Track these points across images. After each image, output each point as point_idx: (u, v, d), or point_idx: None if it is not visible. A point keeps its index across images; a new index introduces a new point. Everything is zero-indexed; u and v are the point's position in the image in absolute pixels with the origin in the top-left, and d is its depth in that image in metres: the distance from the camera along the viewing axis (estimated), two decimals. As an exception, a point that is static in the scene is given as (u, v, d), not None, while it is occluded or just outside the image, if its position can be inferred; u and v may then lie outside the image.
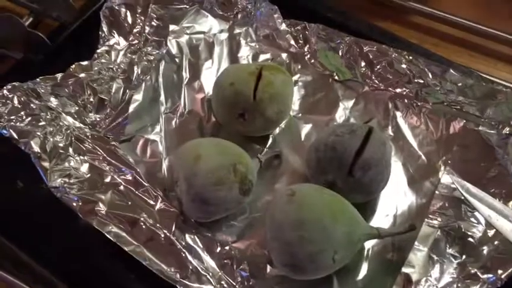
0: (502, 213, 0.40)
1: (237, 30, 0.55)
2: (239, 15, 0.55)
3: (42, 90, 0.47)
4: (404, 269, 0.39)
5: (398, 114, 0.50)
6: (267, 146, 0.49)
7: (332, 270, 0.40)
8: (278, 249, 0.39)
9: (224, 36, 0.55)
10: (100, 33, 0.52)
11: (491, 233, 0.41)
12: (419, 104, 0.49)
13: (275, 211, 0.40)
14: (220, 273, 0.41)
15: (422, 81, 0.49)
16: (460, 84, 0.48)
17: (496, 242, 0.40)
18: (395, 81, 0.50)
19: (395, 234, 0.42)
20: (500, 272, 0.38)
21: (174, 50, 0.53)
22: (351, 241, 0.39)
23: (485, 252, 0.40)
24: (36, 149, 0.43)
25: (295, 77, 0.53)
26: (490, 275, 0.38)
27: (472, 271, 0.39)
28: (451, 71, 0.48)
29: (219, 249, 0.43)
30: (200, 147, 0.43)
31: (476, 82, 0.48)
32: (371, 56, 0.51)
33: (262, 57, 0.54)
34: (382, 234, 0.41)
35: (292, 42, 0.54)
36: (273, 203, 0.41)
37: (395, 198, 0.45)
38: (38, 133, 0.44)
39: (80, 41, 0.56)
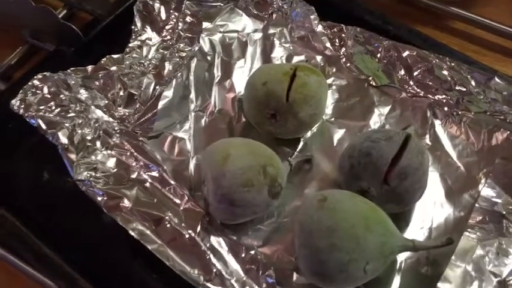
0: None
1: (271, 31, 0.54)
2: (274, 15, 0.54)
3: (73, 82, 0.46)
4: (440, 285, 0.37)
5: (437, 122, 0.48)
6: (298, 149, 0.48)
7: (363, 281, 0.38)
8: (307, 257, 0.37)
9: (258, 36, 0.54)
10: (133, 27, 0.52)
11: (534, 251, 0.38)
12: (460, 112, 0.47)
13: (305, 216, 0.38)
14: (244, 278, 0.40)
15: (464, 89, 0.47)
16: (505, 93, 0.45)
17: (540, 262, 0.37)
18: (435, 88, 0.48)
19: (432, 248, 0.40)
20: (544, 293, 0.36)
21: (206, 48, 0.52)
22: (384, 252, 0.37)
23: (528, 271, 0.37)
24: (64, 140, 0.42)
25: (329, 80, 0.51)
26: (533, 296, 0.36)
27: (514, 291, 0.36)
28: (496, 79, 0.46)
29: (244, 253, 0.41)
30: (230, 146, 0.42)
31: (523, 91, 0.45)
32: (410, 61, 0.49)
33: (296, 59, 0.53)
34: (418, 246, 0.39)
35: (328, 44, 0.53)
36: (302, 208, 0.40)
37: (431, 210, 0.43)
38: (67, 124, 0.43)
39: (113, 35, 0.55)
